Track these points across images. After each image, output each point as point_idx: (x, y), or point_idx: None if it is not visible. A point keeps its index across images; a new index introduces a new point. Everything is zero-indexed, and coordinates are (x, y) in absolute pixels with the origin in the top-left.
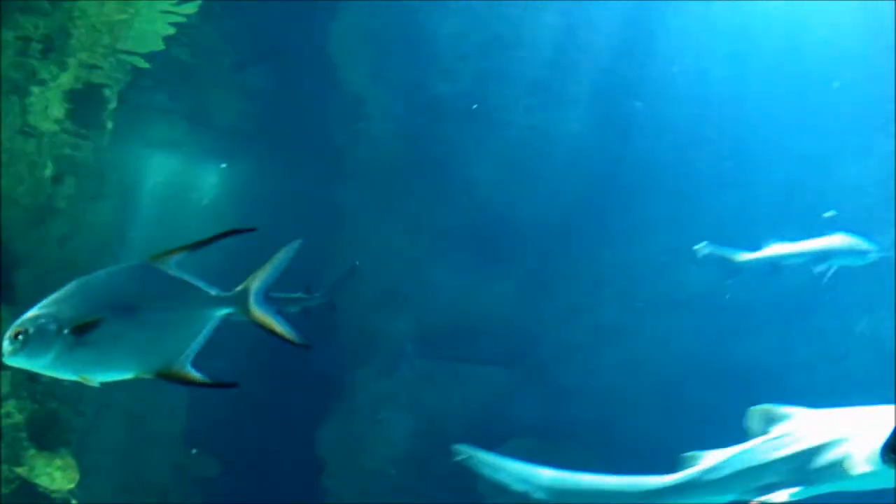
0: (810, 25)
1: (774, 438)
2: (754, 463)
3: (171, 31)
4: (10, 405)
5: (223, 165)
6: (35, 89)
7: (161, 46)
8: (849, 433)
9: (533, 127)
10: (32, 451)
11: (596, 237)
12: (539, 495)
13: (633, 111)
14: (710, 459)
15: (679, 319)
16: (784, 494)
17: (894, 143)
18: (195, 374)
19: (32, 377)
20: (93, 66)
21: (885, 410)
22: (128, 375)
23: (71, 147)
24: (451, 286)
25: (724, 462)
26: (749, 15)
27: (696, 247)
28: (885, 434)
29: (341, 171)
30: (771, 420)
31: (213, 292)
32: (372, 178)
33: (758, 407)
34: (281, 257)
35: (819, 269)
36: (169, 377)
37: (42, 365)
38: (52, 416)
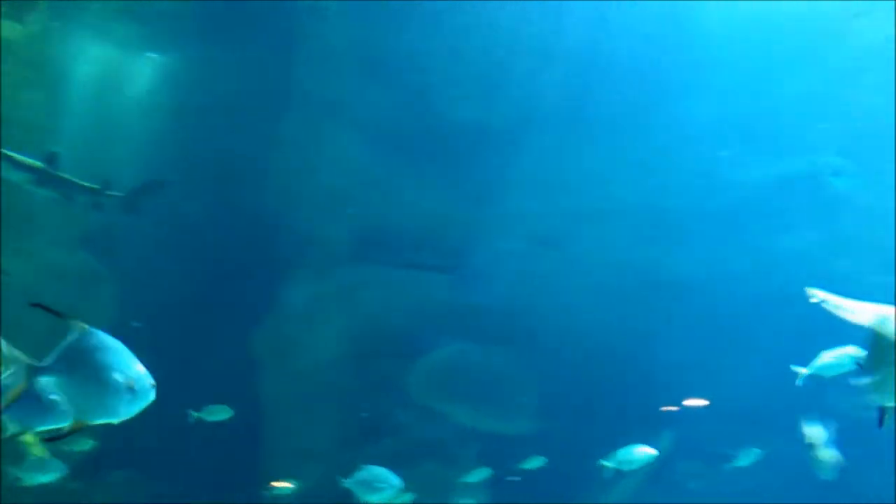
0: None
1: None
2: None
3: None
4: None
5: (153, 55)
6: None
7: None
8: None
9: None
10: None
11: (536, 150)
12: None
13: None
14: None
15: (613, 229)
16: None
17: None
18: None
19: None
20: None
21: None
22: None
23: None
24: (393, 191)
25: None
26: None
27: None
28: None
29: (287, 66)
30: None
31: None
32: (319, 79)
33: None
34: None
35: None
36: None
37: None
38: None
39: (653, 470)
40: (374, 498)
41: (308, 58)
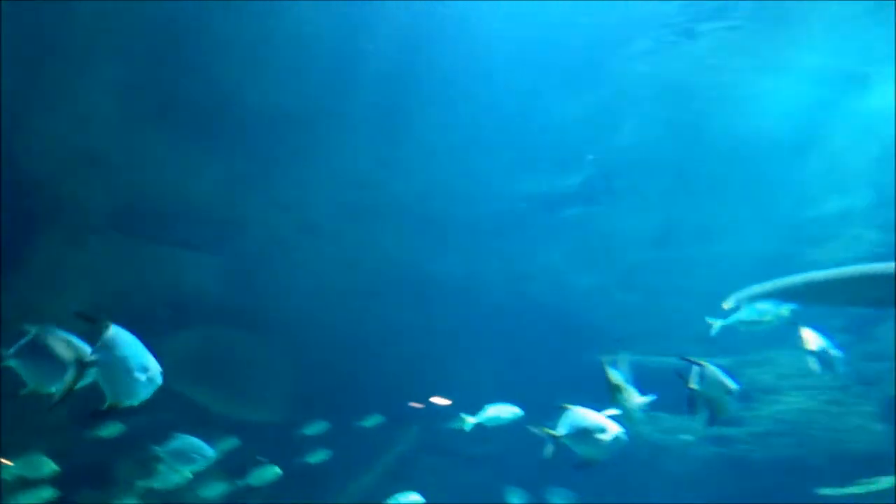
0: None
1: None
2: None
3: None
4: None
5: None
6: None
7: None
8: None
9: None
10: None
11: (316, 140)
12: None
13: None
14: None
15: (381, 225)
16: None
17: None
18: None
19: None
20: None
21: None
22: None
23: None
24: (164, 164)
25: None
26: None
27: None
28: None
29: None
30: None
31: None
32: (74, 40)
33: None
34: None
35: None
36: None
37: None
38: None
39: (395, 466)
40: (186, 468)
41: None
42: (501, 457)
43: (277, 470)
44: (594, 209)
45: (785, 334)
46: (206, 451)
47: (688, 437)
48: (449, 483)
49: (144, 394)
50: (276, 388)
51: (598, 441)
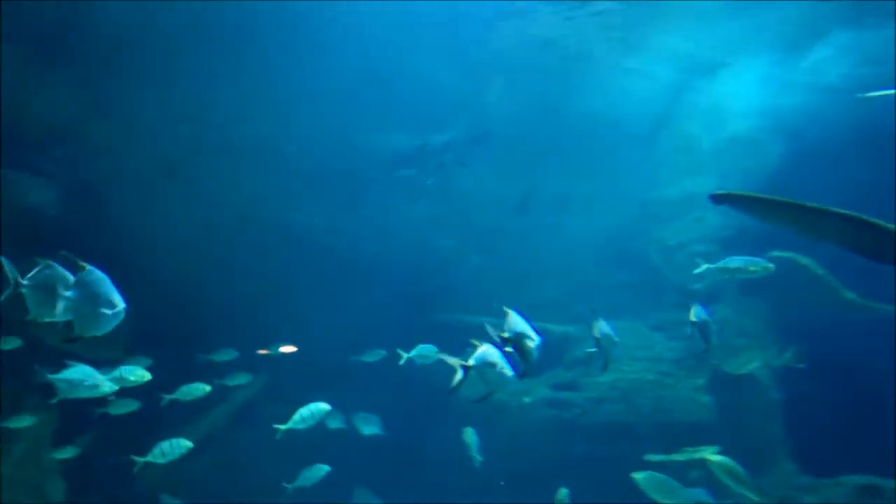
0: None
1: None
2: None
3: None
4: None
5: None
6: None
7: None
8: None
9: None
10: None
11: (167, 73)
12: None
13: None
14: None
15: (242, 168)
16: None
17: None
18: None
19: None
20: None
21: None
22: None
23: None
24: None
25: None
26: None
27: None
28: None
29: None
30: None
31: None
32: None
33: None
34: None
35: None
36: None
37: None
38: None
39: (239, 411)
40: (82, 393)
41: None
42: (345, 404)
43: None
44: (457, 172)
45: (628, 305)
46: (100, 379)
47: (527, 399)
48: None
49: (108, 327)
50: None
51: (501, 375)
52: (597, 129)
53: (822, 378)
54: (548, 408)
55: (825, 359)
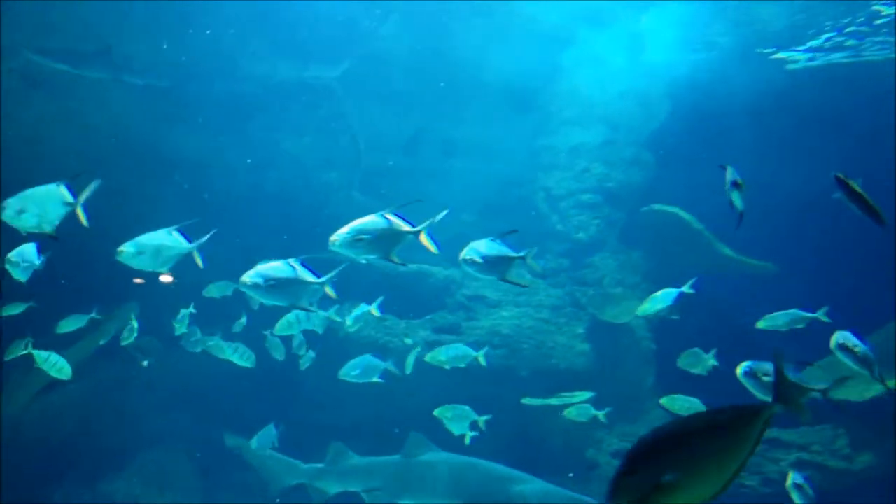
0: None
1: None
2: None
3: None
4: None
5: None
6: None
7: None
8: None
9: None
10: None
11: None
12: None
13: None
14: None
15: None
16: None
17: None
18: None
19: None
20: None
21: None
22: None
23: None
24: None
25: None
26: None
27: None
28: None
29: None
30: None
31: None
32: None
33: None
34: None
35: None
36: None
37: None
38: None
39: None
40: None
41: None
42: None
43: None
44: (346, 106)
45: (513, 251)
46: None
47: (408, 341)
48: (170, 367)
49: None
50: None
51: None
52: (488, 74)
53: (694, 330)
54: (429, 349)
55: (699, 312)
